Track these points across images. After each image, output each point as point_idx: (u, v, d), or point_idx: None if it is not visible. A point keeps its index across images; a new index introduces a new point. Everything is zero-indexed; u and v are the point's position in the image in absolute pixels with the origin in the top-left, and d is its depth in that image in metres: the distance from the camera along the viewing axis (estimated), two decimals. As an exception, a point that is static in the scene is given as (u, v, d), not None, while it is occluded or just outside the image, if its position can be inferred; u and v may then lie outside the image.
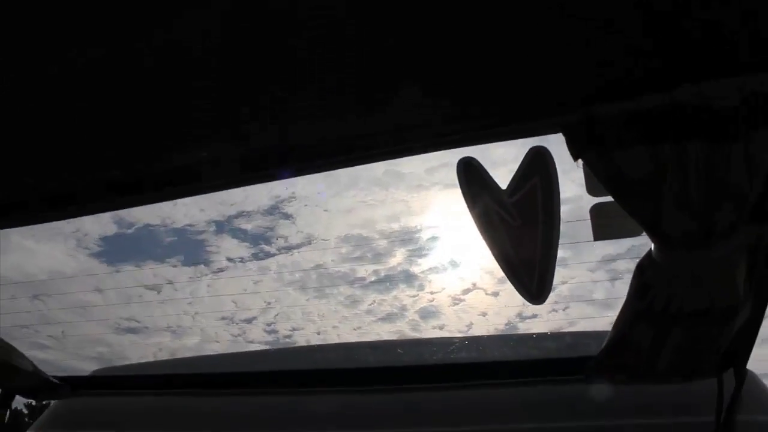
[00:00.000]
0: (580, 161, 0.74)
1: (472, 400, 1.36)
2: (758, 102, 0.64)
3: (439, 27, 0.71)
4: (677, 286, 0.86)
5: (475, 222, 0.95)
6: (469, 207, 0.93)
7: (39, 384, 1.58)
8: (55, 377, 1.60)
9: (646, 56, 0.66)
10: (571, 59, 0.69)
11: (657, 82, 0.67)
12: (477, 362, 1.52)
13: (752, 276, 0.87)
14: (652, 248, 0.83)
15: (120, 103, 0.89)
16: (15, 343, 1.48)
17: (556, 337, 1.67)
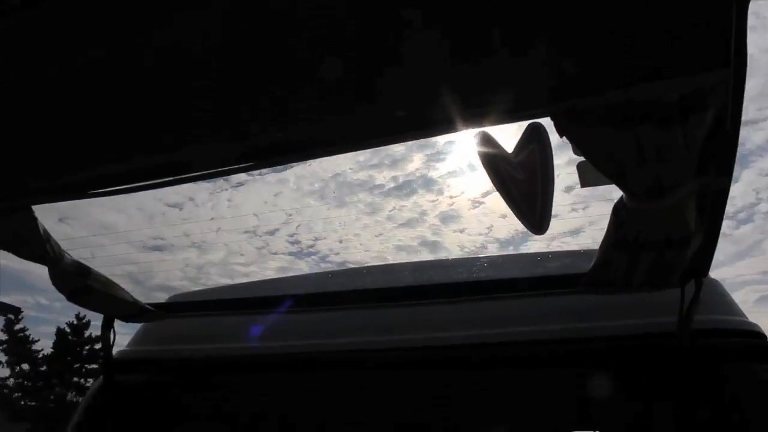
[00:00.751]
0: (564, 137, 0.99)
1: (492, 311, 1.65)
2: (691, 96, 0.88)
3: (439, 29, 0.77)
4: (643, 223, 1.13)
5: (490, 177, 1.22)
6: (484, 166, 1.20)
7: (136, 311, 1.92)
8: (149, 304, 1.94)
9: (611, 64, 0.89)
10: (554, 65, 0.91)
11: (619, 82, 0.90)
12: (493, 279, 1.79)
13: (703, 213, 1.14)
14: (623, 196, 1.09)
15: (120, 103, 0.88)
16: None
17: (557, 256, 1.95)
